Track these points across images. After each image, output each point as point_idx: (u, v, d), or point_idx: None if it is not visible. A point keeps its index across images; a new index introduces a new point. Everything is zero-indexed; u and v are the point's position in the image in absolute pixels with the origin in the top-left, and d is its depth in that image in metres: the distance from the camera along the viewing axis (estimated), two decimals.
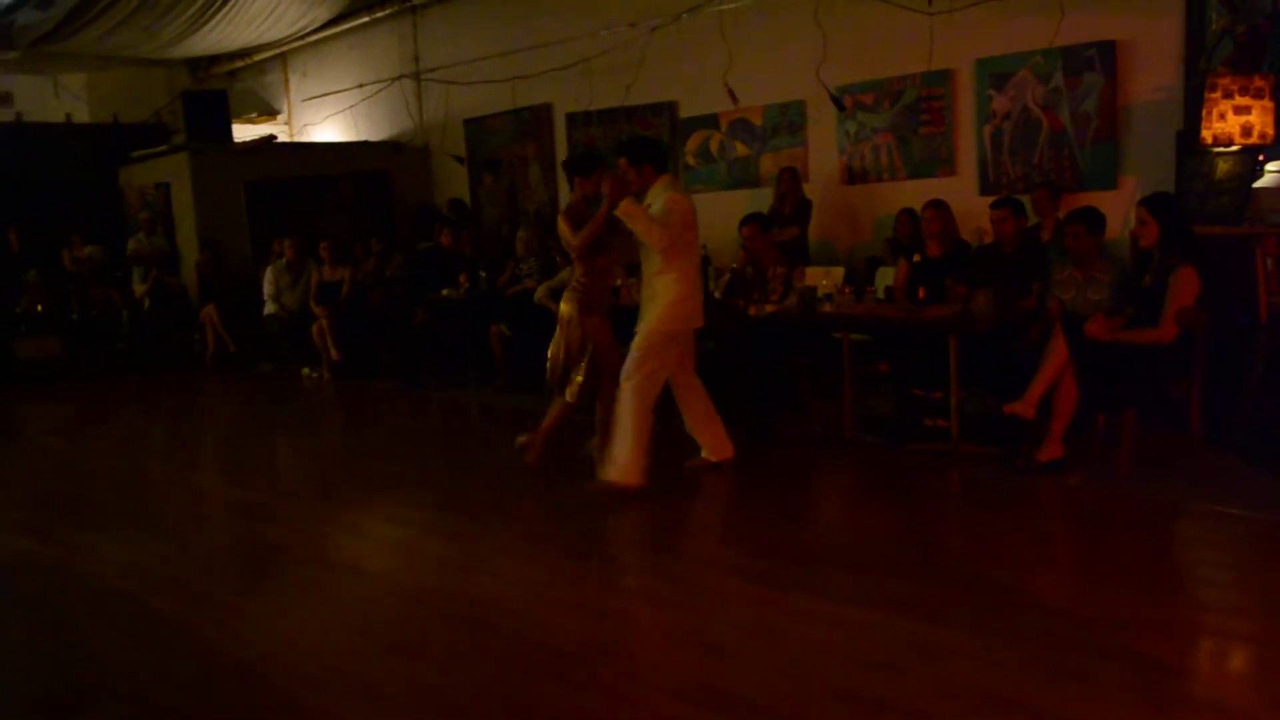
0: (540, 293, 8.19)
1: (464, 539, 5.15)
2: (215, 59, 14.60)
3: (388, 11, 12.58)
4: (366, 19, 12.82)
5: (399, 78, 12.96)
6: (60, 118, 14.24)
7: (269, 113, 15.12)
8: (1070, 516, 5.17)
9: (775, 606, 4.01)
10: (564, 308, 5.68)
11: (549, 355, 5.77)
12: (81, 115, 14.48)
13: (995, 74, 7.99)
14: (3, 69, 13.08)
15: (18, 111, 13.91)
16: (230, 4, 11.82)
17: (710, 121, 9.96)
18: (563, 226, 5.61)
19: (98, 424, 9.18)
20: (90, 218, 12.66)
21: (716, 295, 7.11)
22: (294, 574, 4.83)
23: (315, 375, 10.31)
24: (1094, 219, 5.78)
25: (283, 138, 14.58)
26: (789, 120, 9.36)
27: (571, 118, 11.15)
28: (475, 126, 12.29)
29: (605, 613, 4.11)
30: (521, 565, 4.72)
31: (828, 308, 6.33)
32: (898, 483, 5.71)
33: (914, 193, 8.10)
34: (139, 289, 12.00)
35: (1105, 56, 7.43)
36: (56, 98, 14.22)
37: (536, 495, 5.80)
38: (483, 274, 9.25)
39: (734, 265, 7.04)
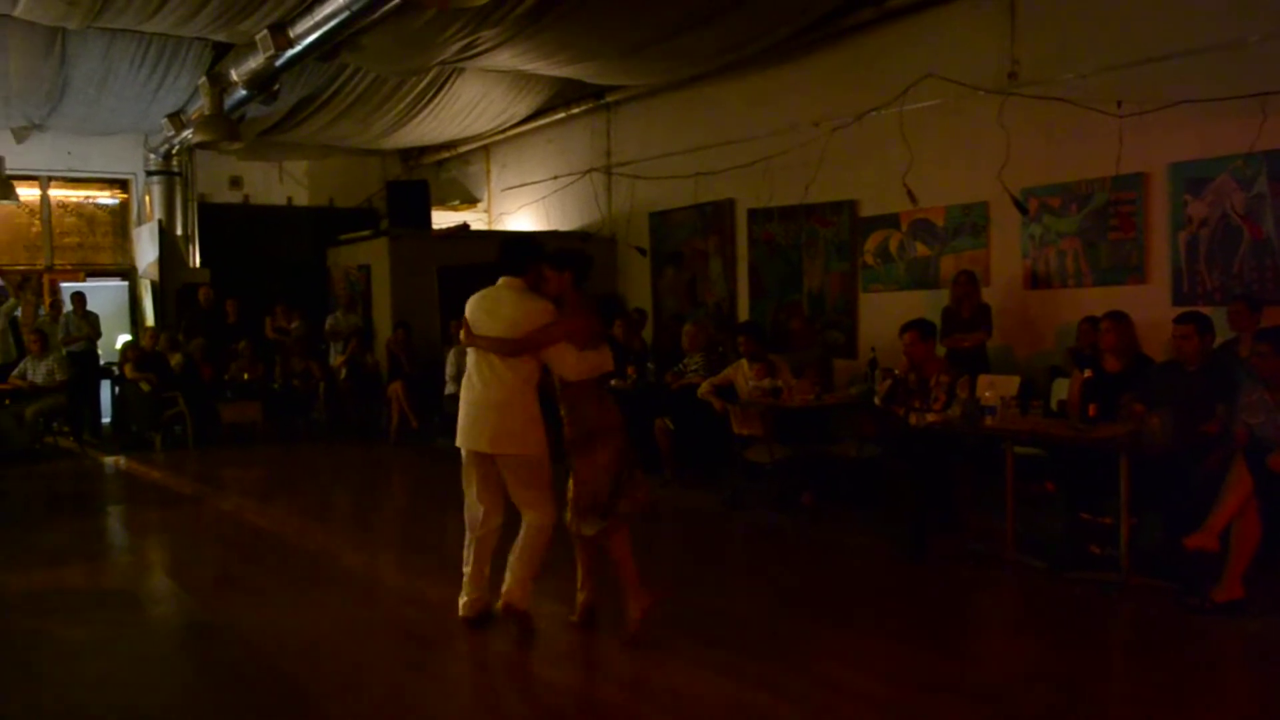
0: (704, 388, 8.16)
1: (564, 639, 5.11)
2: (425, 149, 15.49)
3: (584, 108, 13.06)
4: (563, 114, 13.34)
5: (590, 171, 13.39)
6: (283, 201, 15.42)
7: (471, 201, 15.84)
8: (1245, 668, 4.68)
9: None
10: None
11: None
12: (302, 199, 15.62)
13: (1191, 179, 7.54)
14: (234, 156, 14.30)
15: (245, 194, 15.11)
16: (437, 100, 12.56)
17: (891, 221, 9.78)
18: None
19: (282, 491, 9.64)
20: (301, 294, 13.58)
21: (877, 401, 6.91)
22: (413, 655, 4.88)
23: None
24: None
25: (481, 225, 15.25)
26: (971, 222, 9.09)
27: (753, 213, 11.20)
28: (659, 219, 12.50)
29: None
30: (626, 662, 4.63)
31: (990, 420, 6.03)
32: (1055, 614, 5.33)
33: (1100, 300, 7.66)
34: (337, 360, 12.70)
35: None
36: (280, 182, 15.38)
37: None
38: (650, 366, 9.30)
39: (896, 372, 6.83)
